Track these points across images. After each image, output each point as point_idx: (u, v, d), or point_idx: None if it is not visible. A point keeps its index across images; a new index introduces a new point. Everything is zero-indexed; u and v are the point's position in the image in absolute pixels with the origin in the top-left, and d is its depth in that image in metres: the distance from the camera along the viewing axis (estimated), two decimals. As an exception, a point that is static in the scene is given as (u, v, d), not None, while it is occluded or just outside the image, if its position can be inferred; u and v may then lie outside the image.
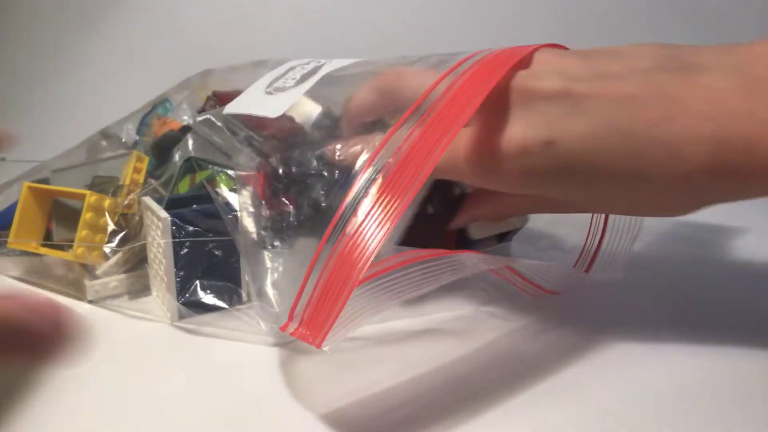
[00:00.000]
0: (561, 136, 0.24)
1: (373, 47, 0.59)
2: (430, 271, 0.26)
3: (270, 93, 0.33)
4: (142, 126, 0.37)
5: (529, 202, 0.30)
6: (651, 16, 0.59)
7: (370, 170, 0.25)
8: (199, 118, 0.34)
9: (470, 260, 0.28)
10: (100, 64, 0.64)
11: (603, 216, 0.35)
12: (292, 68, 0.34)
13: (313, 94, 0.32)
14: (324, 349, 0.21)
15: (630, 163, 0.24)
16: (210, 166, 0.35)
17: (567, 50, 0.27)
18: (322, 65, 0.33)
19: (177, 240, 0.31)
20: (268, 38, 0.61)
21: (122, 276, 0.34)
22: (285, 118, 0.34)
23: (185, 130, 0.36)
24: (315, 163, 0.32)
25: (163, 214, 0.30)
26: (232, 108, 0.33)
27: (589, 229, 0.35)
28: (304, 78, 0.32)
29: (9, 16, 0.65)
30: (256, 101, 0.33)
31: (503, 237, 0.36)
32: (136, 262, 0.35)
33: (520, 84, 0.25)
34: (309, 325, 0.22)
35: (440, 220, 0.33)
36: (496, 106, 0.25)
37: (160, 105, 0.37)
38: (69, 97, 0.62)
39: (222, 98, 0.39)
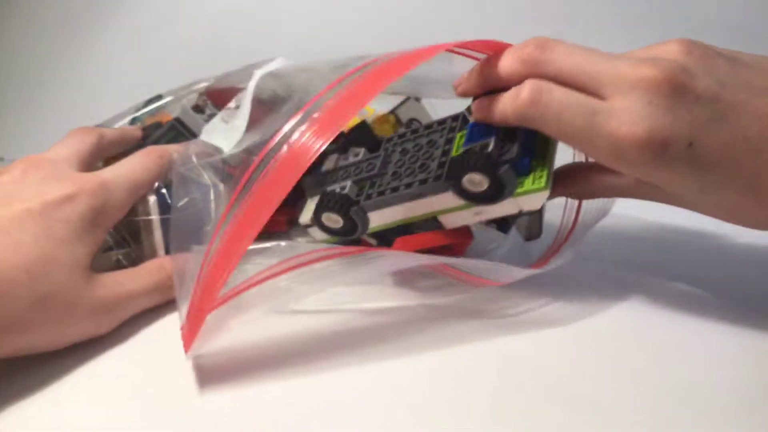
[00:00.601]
0: (702, 140, 0.25)
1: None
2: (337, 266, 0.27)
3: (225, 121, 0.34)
4: (135, 121, 0.40)
5: (631, 189, 0.30)
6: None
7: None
8: (176, 115, 0.36)
9: (394, 258, 0.29)
10: (100, 61, 0.67)
11: (572, 218, 0.35)
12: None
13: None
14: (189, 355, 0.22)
15: (753, 180, 0.26)
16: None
17: (712, 49, 0.27)
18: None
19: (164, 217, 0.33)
20: (270, 36, 0.62)
21: (109, 252, 0.37)
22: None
23: (174, 123, 0.39)
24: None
25: (152, 197, 0.33)
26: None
27: (558, 231, 0.35)
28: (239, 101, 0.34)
29: (8, 13, 0.69)
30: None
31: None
32: (121, 239, 0.37)
33: (670, 76, 0.25)
34: (188, 325, 0.24)
35: None
36: (644, 91, 0.26)
37: (151, 102, 0.40)
38: (67, 96, 0.65)
39: (213, 95, 0.41)
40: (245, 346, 0.28)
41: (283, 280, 0.27)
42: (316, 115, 0.25)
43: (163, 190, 0.33)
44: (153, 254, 0.33)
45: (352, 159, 0.35)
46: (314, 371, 0.26)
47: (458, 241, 0.34)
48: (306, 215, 0.33)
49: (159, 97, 0.41)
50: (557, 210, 0.35)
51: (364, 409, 0.24)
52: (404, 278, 0.34)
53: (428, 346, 0.28)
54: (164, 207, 0.33)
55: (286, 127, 0.26)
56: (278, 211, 0.36)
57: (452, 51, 0.31)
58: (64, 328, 0.27)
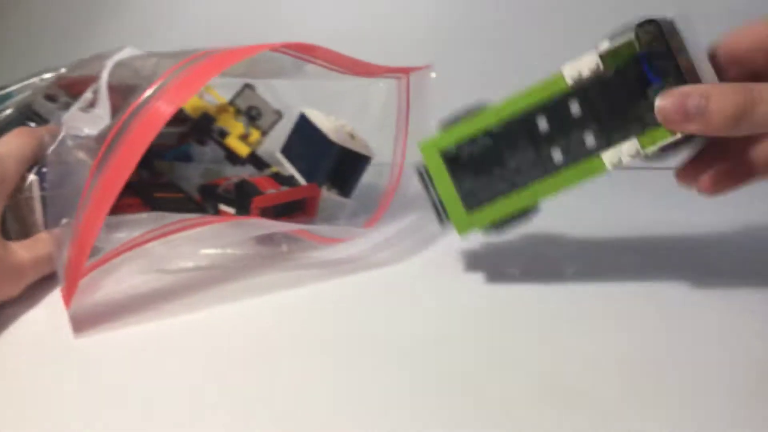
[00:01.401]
0: None
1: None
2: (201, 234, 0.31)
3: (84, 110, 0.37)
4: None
5: None
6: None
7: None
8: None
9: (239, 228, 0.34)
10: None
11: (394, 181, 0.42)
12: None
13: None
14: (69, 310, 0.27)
15: None
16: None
17: None
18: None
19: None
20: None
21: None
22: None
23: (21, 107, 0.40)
24: None
25: (32, 176, 0.35)
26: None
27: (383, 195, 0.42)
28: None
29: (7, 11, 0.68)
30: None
31: None
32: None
33: None
34: (66, 284, 0.28)
35: None
36: None
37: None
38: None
39: (67, 85, 0.43)
40: (116, 298, 0.32)
41: (154, 246, 0.32)
42: (164, 88, 0.29)
43: (44, 169, 0.35)
44: (35, 230, 0.36)
45: None
46: (173, 314, 0.31)
47: (310, 195, 0.40)
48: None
49: (3, 88, 0.42)
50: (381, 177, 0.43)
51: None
52: (264, 240, 0.39)
53: (275, 288, 0.34)
54: (43, 185, 0.35)
55: (140, 101, 0.30)
56: (130, 195, 0.39)
57: (278, 50, 0.35)
58: None
